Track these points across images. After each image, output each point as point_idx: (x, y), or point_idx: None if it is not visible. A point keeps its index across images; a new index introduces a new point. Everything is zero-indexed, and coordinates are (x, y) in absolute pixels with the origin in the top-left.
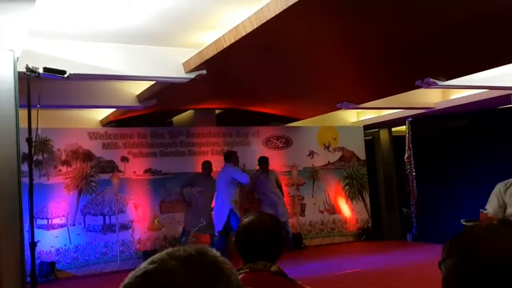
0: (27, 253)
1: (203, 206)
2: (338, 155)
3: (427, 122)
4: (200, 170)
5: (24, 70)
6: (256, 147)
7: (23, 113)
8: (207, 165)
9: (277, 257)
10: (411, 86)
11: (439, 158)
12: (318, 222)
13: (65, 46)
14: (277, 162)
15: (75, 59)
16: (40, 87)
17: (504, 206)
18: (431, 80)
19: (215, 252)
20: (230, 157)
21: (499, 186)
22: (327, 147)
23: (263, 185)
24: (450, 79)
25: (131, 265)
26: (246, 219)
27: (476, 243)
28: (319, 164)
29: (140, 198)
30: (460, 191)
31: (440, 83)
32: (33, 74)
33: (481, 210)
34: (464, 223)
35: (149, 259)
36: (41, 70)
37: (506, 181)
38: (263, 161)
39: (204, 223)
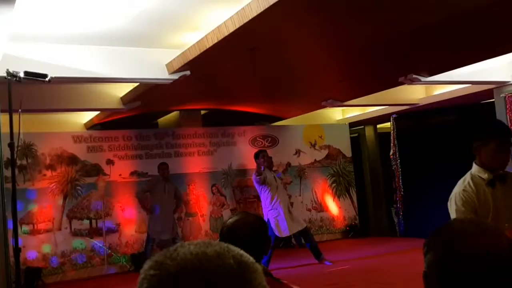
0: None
1: (164, 213)
2: (324, 153)
3: (411, 118)
4: (187, 171)
5: (5, 74)
6: (243, 147)
7: (5, 118)
8: (162, 167)
9: (262, 257)
10: (395, 82)
11: (424, 154)
12: (305, 220)
13: (46, 49)
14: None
15: (56, 62)
16: (22, 91)
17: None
18: (414, 76)
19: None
20: (255, 158)
21: (462, 193)
22: (313, 145)
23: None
24: (432, 75)
25: (118, 268)
26: (230, 219)
27: (455, 238)
28: (305, 163)
29: (127, 201)
30: (446, 185)
31: (423, 79)
32: (14, 79)
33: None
34: None
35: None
36: (22, 74)
37: (462, 185)
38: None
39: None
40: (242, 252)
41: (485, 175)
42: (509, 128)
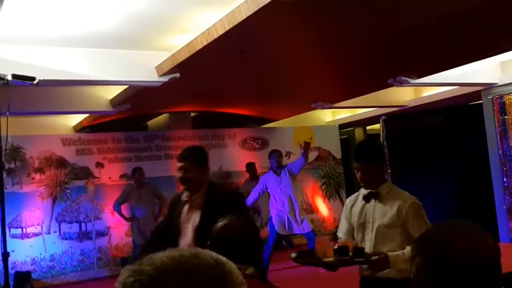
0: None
1: (144, 218)
2: (314, 154)
3: (400, 119)
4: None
5: None
6: (233, 149)
7: None
8: (138, 172)
9: (252, 260)
10: (384, 84)
11: (413, 155)
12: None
13: (34, 52)
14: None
15: (44, 65)
16: (10, 94)
17: (351, 225)
18: (403, 78)
19: None
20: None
21: (346, 201)
22: (303, 147)
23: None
24: (421, 77)
25: (109, 272)
26: (219, 223)
27: (443, 241)
28: None
29: None
30: (434, 186)
31: (412, 81)
32: (1, 81)
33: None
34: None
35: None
36: (9, 77)
37: (354, 194)
38: (251, 167)
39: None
40: (215, 253)
41: (364, 190)
42: (365, 153)
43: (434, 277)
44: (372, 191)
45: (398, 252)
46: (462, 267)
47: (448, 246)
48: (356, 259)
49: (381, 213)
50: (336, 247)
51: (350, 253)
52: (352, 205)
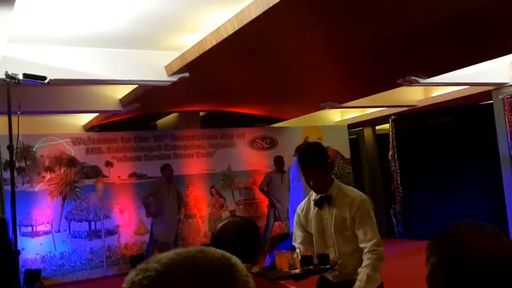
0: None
1: (169, 215)
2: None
3: (410, 119)
4: (186, 173)
5: (4, 76)
6: (241, 148)
7: (4, 120)
8: (167, 169)
9: (256, 259)
10: (393, 84)
11: (423, 155)
12: None
13: (45, 51)
14: (262, 163)
15: (55, 64)
16: (21, 93)
17: (308, 233)
18: (412, 78)
19: None
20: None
21: (296, 209)
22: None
23: (276, 185)
24: (431, 76)
25: (117, 270)
26: (219, 224)
27: (458, 240)
28: None
29: (126, 203)
30: (444, 186)
31: (421, 80)
32: (13, 81)
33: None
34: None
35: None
36: (20, 77)
37: (303, 201)
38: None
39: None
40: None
41: (314, 196)
42: (312, 158)
43: (450, 276)
44: (323, 195)
45: (364, 273)
46: (478, 267)
47: (463, 246)
48: (322, 267)
49: (337, 216)
50: (297, 257)
51: (316, 261)
52: (306, 213)
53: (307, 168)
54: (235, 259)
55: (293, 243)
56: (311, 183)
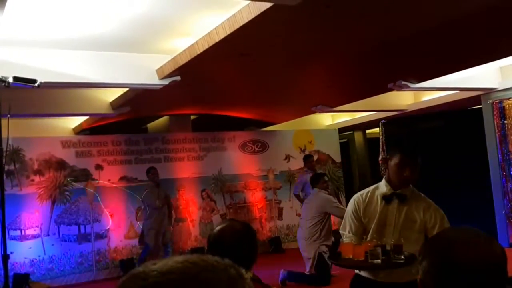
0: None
1: (159, 218)
2: (314, 158)
3: (400, 123)
4: (176, 176)
5: None
6: (232, 152)
7: None
8: (152, 172)
9: (250, 264)
10: (384, 89)
11: None
12: (295, 225)
13: (35, 54)
14: (253, 166)
15: (45, 67)
16: (11, 96)
17: (362, 224)
18: (403, 82)
19: None
20: (318, 181)
21: (355, 199)
22: (303, 151)
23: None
24: (421, 81)
25: (107, 274)
26: (217, 228)
27: (450, 246)
28: (295, 168)
29: (116, 206)
30: (434, 190)
31: (411, 85)
32: (3, 84)
33: (341, 239)
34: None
35: None
36: (10, 79)
37: (363, 191)
38: (309, 160)
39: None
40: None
41: (385, 190)
42: (413, 149)
43: (442, 281)
44: (396, 191)
45: None
46: (468, 272)
47: (454, 251)
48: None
49: (408, 216)
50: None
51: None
52: (367, 204)
53: (410, 159)
54: (237, 266)
55: (343, 232)
56: (406, 174)
